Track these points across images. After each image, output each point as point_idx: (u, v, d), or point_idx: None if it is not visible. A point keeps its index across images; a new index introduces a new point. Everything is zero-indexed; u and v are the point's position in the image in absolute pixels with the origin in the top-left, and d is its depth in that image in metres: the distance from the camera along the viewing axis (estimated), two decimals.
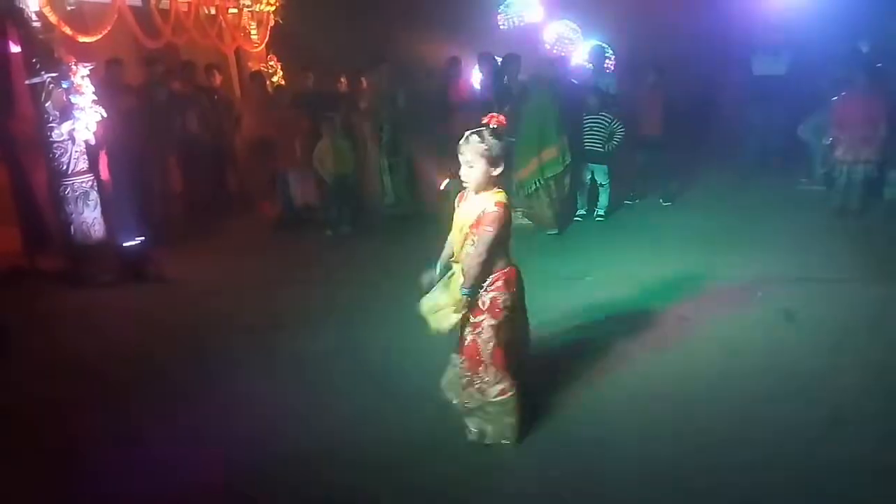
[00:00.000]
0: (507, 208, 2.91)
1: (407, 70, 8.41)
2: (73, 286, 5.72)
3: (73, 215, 5.86)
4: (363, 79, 8.15)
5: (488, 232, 2.86)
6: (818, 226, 6.36)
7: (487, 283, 2.97)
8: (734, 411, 3.30)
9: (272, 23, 10.29)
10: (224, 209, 8.19)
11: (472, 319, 3.01)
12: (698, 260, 5.55)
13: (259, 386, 3.87)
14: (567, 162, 6.67)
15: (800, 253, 5.61)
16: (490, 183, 2.94)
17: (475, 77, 8.59)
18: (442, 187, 8.50)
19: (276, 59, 10.50)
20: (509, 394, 3.04)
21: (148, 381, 4.01)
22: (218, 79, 8.70)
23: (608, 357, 3.91)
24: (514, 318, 3.08)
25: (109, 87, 6.72)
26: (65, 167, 5.77)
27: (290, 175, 7.59)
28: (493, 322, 2.97)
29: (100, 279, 5.80)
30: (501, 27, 11.73)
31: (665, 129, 7.60)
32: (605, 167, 7.12)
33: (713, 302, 4.65)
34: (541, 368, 3.74)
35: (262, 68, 10.06)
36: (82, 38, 6.34)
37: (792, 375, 3.59)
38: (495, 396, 3.03)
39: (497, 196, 2.92)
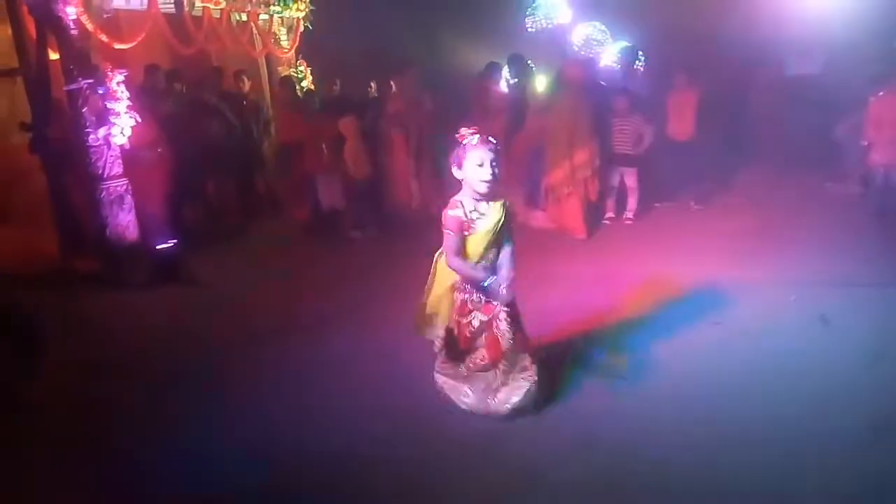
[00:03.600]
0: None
1: (436, 75, 8.45)
2: (108, 288, 5.84)
3: (109, 218, 5.99)
4: (392, 83, 8.19)
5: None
6: (854, 229, 6.21)
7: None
8: (767, 417, 3.23)
9: (302, 28, 10.41)
10: (254, 213, 8.30)
11: (482, 317, 3.20)
12: (730, 263, 5.44)
13: (286, 388, 3.90)
14: (597, 164, 6.63)
15: (835, 257, 5.47)
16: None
17: (504, 80, 8.59)
18: None
19: (305, 63, 10.62)
20: (532, 370, 3.25)
21: (178, 381, 4.07)
22: (247, 84, 8.83)
23: (637, 361, 3.86)
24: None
25: (149, 93, 6.86)
26: (101, 171, 5.90)
27: (318, 179, 7.67)
28: (507, 309, 3.19)
29: (133, 281, 5.91)
30: (530, 30, 11.70)
31: (697, 132, 7.49)
32: (634, 170, 7.05)
33: (746, 306, 4.56)
34: (568, 370, 3.72)
35: (292, 73, 10.20)
36: (118, 46, 6.50)
37: (827, 381, 3.50)
38: (519, 374, 3.24)
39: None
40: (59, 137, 6.26)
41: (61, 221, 6.51)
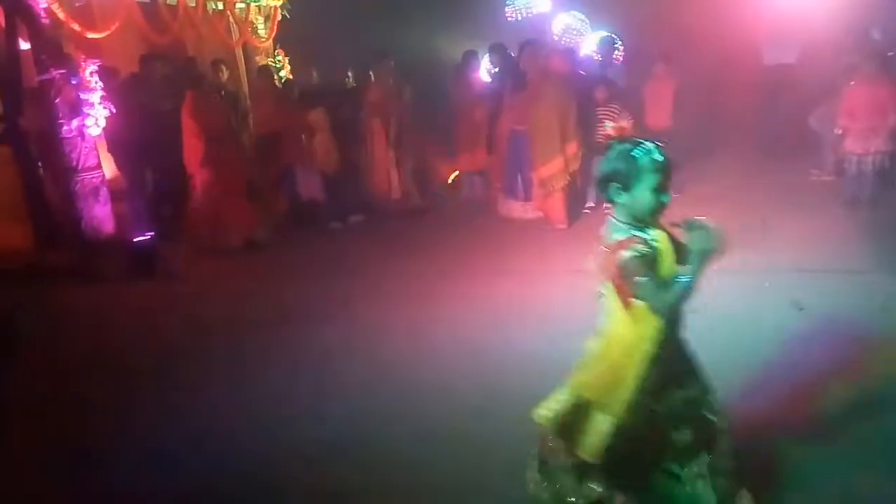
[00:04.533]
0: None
1: (415, 64, 8.42)
2: (84, 282, 5.77)
3: (84, 211, 5.90)
4: (371, 72, 8.15)
5: None
6: (829, 217, 6.31)
7: None
8: (745, 399, 3.28)
9: (279, 17, 10.29)
10: None
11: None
12: None
13: (267, 380, 3.88)
14: (583, 155, 6.68)
15: (810, 244, 5.57)
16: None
17: (484, 69, 8.59)
18: (450, 181, 8.52)
19: (283, 53, 10.51)
20: None
21: (158, 376, 4.03)
22: (225, 75, 8.70)
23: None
24: None
25: (144, 85, 6.74)
26: (75, 163, 5.81)
27: (296, 170, 7.61)
28: None
29: (110, 275, 5.84)
30: (510, 19, 11.69)
31: (674, 121, 7.55)
32: None
33: (722, 292, 4.61)
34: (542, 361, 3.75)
35: (270, 63, 10.08)
36: (91, 35, 6.38)
37: (802, 364, 3.57)
38: None
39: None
40: (31, 128, 6.15)
41: (36, 215, 6.40)
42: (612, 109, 6.97)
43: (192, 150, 6.45)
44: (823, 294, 4.46)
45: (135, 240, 6.12)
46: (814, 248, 5.44)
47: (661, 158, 2.24)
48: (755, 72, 9.01)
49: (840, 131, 6.81)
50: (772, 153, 8.43)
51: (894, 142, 6.60)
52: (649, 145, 2.25)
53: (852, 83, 6.70)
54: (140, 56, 7.05)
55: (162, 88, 7.13)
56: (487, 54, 8.01)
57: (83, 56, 5.85)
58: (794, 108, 7.99)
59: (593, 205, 7.21)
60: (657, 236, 2.34)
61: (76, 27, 6.08)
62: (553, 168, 6.58)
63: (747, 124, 8.79)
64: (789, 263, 5.13)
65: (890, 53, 7.15)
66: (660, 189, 2.26)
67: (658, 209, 2.30)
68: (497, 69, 7.81)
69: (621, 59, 9.60)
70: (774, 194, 7.14)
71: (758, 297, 4.55)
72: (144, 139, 6.41)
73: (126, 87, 6.61)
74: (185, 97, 6.43)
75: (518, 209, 7.12)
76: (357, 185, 7.60)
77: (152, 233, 6.19)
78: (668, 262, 2.34)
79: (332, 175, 7.38)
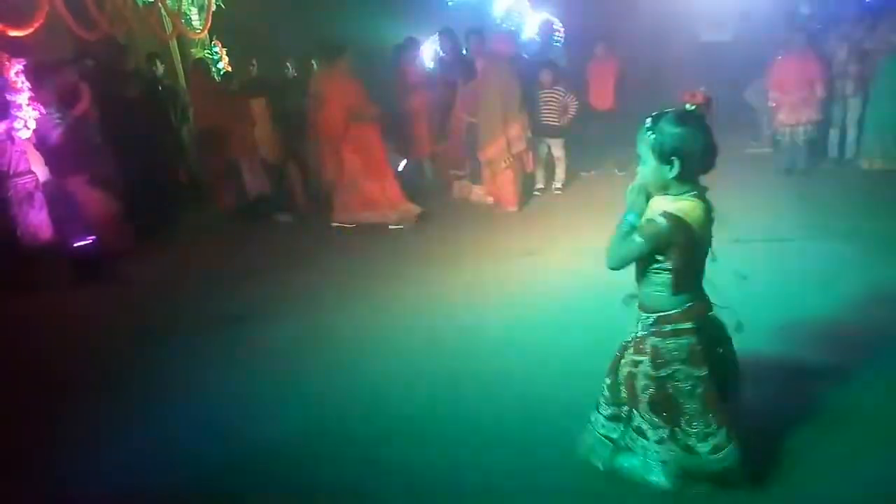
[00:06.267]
0: (679, 224, 2.21)
1: (355, 51, 8.29)
2: (23, 291, 5.52)
3: (19, 217, 5.65)
4: (314, 62, 8.00)
5: (636, 242, 2.27)
6: (766, 187, 6.56)
7: (651, 321, 2.38)
8: None
9: (214, 7, 9.99)
10: (176, 202, 7.99)
11: (632, 355, 2.42)
12: None
13: (226, 379, 3.80)
14: (529, 137, 6.73)
15: (749, 214, 5.77)
16: (663, 186, 2.29)
17: (429, 55, 8.55)
18: (399, 168, 8.48)
19: (220, 44, 10.23)
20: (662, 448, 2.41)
21: (112, 382, 3.90)
22: (160, 69, 8.44)
23: (572, 326, 3.98)
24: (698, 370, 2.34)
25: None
26: (5, 168, 5.54)
27: (241, 163, 7.46)
28: (651, 372, 2.36)
29: (50, 282, 5.61)
30: (449, 3, 11.65)
31: (617, 101, 7.69)
32: (561, 141, 7.19)
33: None
34: (503, 344, 3.81)
35: (206, 55, 9.80)
36: (13, 33, 6.06)
37: (753, 330, 3.70)
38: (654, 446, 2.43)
39: (671, 204, 2.25)
40: None
41: None
42: (556, 92, 7.05)
43: (334, 127, 6.41)
44: (763, 262, 4.65)
45: (75, 245, 5.90)
46: (753, 218, 5.65)
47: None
48: (692, 50, 9.25)
49: (773, 104, 7.07)
50: (714, 128, 8.67)
51: (823, 112, 6.90)
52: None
53: (779, 57, 6.95)
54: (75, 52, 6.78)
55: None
56: (437, 39, 7.96)
57: (6, 55, 5.55)
58: (731, 83, 8.24)
59: (542, 186, 7.31)
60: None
61: None
62: (496, 149, 6.62)
63: (686, 101, 9.02)
64: (731, 234, 5.31)
65: (818, 27, 7.44)
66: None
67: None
68: (446, 55, 7.78)
69: (561, 40, 9.71)
70: (716, 167, 7.35)
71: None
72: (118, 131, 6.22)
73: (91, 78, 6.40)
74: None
75: (476, 193, 7.18)
76: (302, 176, 7.50)
77: (93, 236, 5.98)
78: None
79: (278, 166, 7.26)
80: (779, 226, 5.43)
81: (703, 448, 2.36)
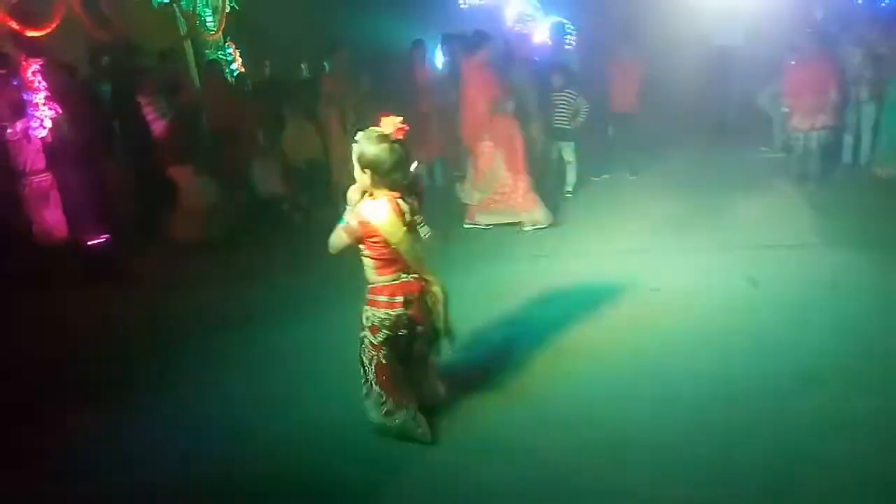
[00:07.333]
0: (363, 223, 2.77)
1: (369, 53, 8.34)
2: (37, 288, 5.58)
3: (34, 215, 5.71)
4: (325, 64, 8.05)
5: (339, 234, 2.84)
6: (779, 193, 6.52)
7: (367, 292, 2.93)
8: (709, 374, 3.39)
9: (228, 8, 10.06)
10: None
11: (359, 332, 2.97)
12: (665, 231, 5.66)
13: (235, 379, 3.84)
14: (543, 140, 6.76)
15: (762, 220, 5.75)
16: (368, 189, 2.81)
17: (437, 59, 8.57)
18: (412, 170, 8.49)
19: (233, 46, 10.29)
20: (393, 417, 2.98)
21: (122, 380, 3.93)
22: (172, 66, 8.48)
23: (583, 328, 3.99)
24: (403, 338, 2.95)
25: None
26: (22, 167, 5.61)
27: (254, 164, 7.50)
28: (372, 339, 2.92)
29: (63, 281, 5.66)
30: (462, 6, 11.66)
31: (639, 104, 7.69)
32: (572, 144, 7.18)
33: (682, 271, 4.76)
34: (514, 343, 3.81)
35: (220, 56, 9.86)
36: (30, 33, 6.14)
37: (759, 337, 3.70)
38: (379, 417, 3.01)
39: (369, 205, 2.79)
40: None
41: None
42: (567, 94, 7.04)
43: (477, 118, 6.17)
44: (776, 268, 4.63)
45: (88, 243, 5.95)
46: (765, 225, 5.62)
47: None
48: (704, 54, 9.20)
49: (787, 109, 7.03)
50: (722, 132, 8.65)
51: (838, 117, 6.84)
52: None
53: (793, 62, 6.90)
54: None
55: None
56: (440, 45, 7.98)
57: (23, 55, 5.62)
58: (744, 87, 8.20)
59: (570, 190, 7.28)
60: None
61: (14, 26, 5.83)
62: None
63: (698, 105, 9.00)
64: (743, 240, 5.29)
65: (831, 31, 7.37)
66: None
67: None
68: (449, 59, 7.79)
69: (573, 44, 9.69)
70: (726, 172, 7.34)
71: (712, 274, 4.69)
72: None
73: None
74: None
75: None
76: (323, 175, 7.53)
77: (106, 235, 6.04)
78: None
79: (307, 167, 7.25)
80: (790, 232, 5.40)
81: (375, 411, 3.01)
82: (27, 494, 3.03)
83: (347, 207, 2.86)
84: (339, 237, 2.85)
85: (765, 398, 3.15)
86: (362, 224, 2.76)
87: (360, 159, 2.76)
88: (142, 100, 6.28)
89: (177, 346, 4.34)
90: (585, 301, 4.37)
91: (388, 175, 2.75)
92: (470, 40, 6.42)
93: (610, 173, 7.72)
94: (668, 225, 5.82)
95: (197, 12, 9.57)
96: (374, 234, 2.76)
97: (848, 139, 7.22)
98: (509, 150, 6.17)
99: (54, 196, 5.79)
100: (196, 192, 6.39)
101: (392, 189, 2.79)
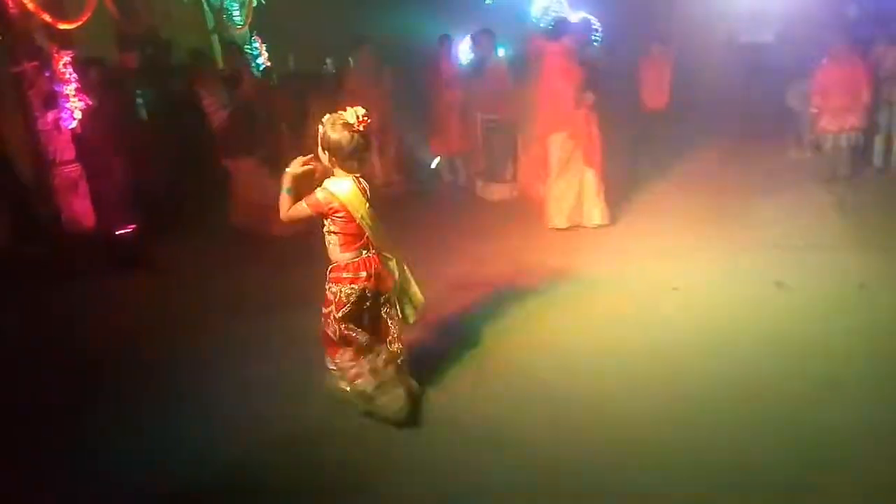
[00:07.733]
0: (327, 197, 2.95)
1: (393, 48, 8.36)
2: (65, 277, 5.68)
3: (63, 205, 5.82)
4: (349, 59, 8.07)
5: (302, 205, 3.01)
6: (806, 194, 6.41)
7: (329, 273, 3.12)
8: (727, 375, 3.35)
9: (254, 4, 10.12)
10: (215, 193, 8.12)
11: (323, 309, 3.14)
12: (690, 230, 5.60)
13: (259, 367, 3.86)
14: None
15: (790, 220, 5.66)
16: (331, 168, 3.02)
17: (464, 53, 8.56)
18: (433, 165, 8.51)
19: (260, 40, 10.35)
20: (362, 379, 3.13)
21: (147, 369, 3.99)
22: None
23: (602, 324, 3.99)
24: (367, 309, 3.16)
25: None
26: (52, 156, 5.72)
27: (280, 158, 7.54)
28: (337, 314, 3.09)
29: (91, 269, 5.76)
30: (487, 2, 11.63)
31: (670, 101, 7.63)
32: None
33: (705, 271, 4.71)
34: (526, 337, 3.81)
35: (247, 50, 9.93)
36: (62, 26, 6.24)
37: (784, 340, 3.65)
38: (350, 382, 3.16)
39: (332, 184, 2.99)
40: (5, 121, 6.02)
41: (13, 209, 6.27)
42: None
43: (562, 105, 5.82)
44: (802, 270, 4.55)
45: (116, 233, 6.05)
46: (793, 225, 5.53)
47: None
48: (732, 50, 9.08)
49: (815, 110, 6.90)
50: (750, 131, 8.52)
51: (868, 119, 6.70)
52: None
53: (823, 62, 6.77)
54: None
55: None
56: (471, 40, 7.97)
57: (55, 47, 5.73)
58: (772, 86, 8.07)
59: None
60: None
61: (47, 18, 5.94)
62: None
63: (726, 102, 8.87)
64: (769, 240, 5.22)
65: (863, 31, 7.22)
66: None
67: None
68: (478, 54, 7.77)
69: (599, 40, 9.62)
70: (754, 172, 7.23)
71: (736, 274, 4.64)
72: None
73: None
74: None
75: (497, 191, 7.16)
76: None
77: (133, 225, 6.13)
78: None
79: None
80: (817, 233, 5.31)
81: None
82: (51, 481, 3.09)
83: (286, 171, 3.03)
84: (300, 208, 3.00)
85: (783, 401, 3.11)
86: (329, 198, 2.95)
87: (322, 140, 2.96)
88: (202, 92, 6.34)
89: (198, 336, 4.36)
90: (598, 296, 4.38)
91: (346, 161, 2.97)
92: (552, 28, 6.14)
93: (635, 171, 7.65)
94: (693, 222, 5.76)
95: (224, 7, 9.65)
96: (340, 209, 2.96)
97: (879, 141, 7.06)
98: (587, 145, 5.83)
99: (83, 186, 5.89)
100: (257, 185, 6.35)
101: (349, 173, 3.00)
